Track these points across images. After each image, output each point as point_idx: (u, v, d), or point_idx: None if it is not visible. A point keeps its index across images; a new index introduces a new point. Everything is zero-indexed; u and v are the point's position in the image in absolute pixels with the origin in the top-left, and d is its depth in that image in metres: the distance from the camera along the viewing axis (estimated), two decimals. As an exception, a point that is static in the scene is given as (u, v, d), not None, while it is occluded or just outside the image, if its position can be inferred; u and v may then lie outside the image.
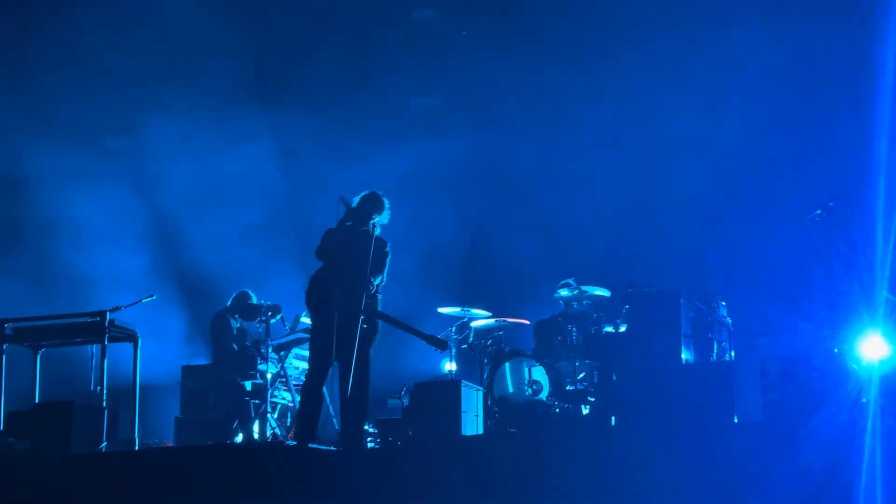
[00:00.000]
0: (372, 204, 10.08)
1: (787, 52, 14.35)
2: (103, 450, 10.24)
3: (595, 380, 12.12)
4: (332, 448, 10.46)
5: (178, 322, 15.75)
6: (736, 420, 10.01)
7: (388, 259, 10.19)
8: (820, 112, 14.10)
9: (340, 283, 9.80)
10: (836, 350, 10.40)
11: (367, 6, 16.06)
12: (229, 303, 12.86)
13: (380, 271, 10.04)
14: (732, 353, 11.70)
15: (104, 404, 10.60)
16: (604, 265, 14.29)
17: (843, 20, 13.96)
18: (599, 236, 14.83)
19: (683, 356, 10.60)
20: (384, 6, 16.15)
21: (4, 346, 10.75)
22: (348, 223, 10.00)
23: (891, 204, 11.35)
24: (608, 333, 12.18)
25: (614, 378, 11.10)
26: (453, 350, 13.05)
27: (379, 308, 10.11)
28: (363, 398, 9.89)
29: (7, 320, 10.84)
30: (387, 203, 10.17)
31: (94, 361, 11.30)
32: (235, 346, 12.67)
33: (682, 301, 10.74)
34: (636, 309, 10.89)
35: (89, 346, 11.25)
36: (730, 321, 11.80)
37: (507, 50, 15.44)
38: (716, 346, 11.28)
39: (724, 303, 11.79)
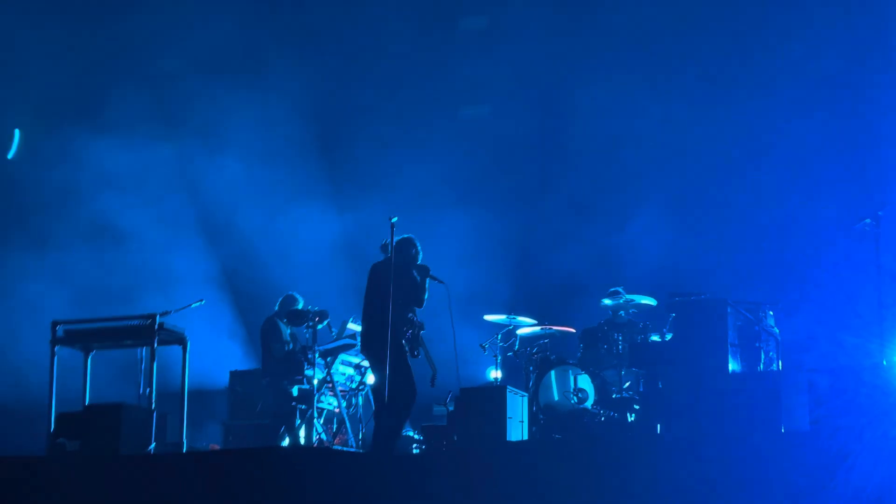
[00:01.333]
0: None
1: (835, 63, 14.28)
2: (152, 451, 10.33)
3: (641, 388, 12.08)
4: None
5: (227, 326, 15.90)
6: (783, 431, 9.93)
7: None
8: (869, 122, 14.00)
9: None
10: (884, 363, 10.27)
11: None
12: (277, 307, 12.94)
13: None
14: (780, 363, 11.59)
15: (153, 407, 10.67)
16: (651, 274, 14.26)
17: (885, 25, 13.88)
18: (647, 245, 14.79)
19: (730, 365, 10.52)
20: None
21: (56, 349, 10.86)
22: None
23: (940, 214, 11.22)
24: (654, 342, 12.13)
25: (660, 386, 11.04)
26: (499, 357, 13.05)
27: None
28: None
29: (58, 322, 10.95)
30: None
31: (143, 364, 11.38)
32: (284, 350, 12.72)
33: (729, 310, 10.67)
34: (683, 317, 10.81)
35: (139, 349, 11.33)
36: (777, 331, 11.69)
37: (558, 58, 15.47)
38: (763, 356, 11.18)
39: (771, 312, 11.68)
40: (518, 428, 10.73)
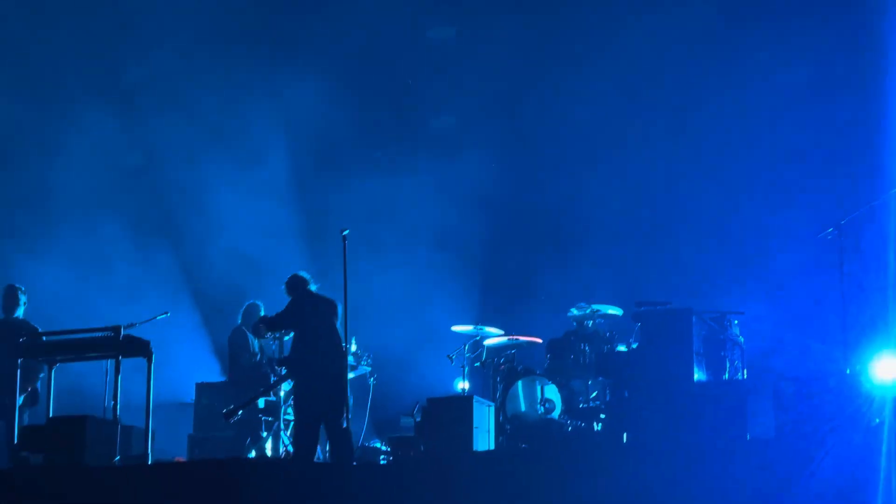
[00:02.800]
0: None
1: (799, 73, 14.40)
2: (117, 463, 10.25)
3: (607, 398, 12.11)
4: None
5: (193, 338, 15.82)
6: (748, 438, 9.99)
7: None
8: (835, 131, 14.13)
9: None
10: (848, 371, 10.36)
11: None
12: (240, 317, 12.90)
13: None
14: (745, 372, 11.66)
15: (118, 419, 10.60)
16: (615, 284, 14.32)
17: (853, 39, 14.03)
18: (611, 255, 14.84)
19: (696, 375, 10.58)
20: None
21: (20, 361, 10.77)
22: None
23: (904, 224, 11.35)
24: (621, 352, 12.17)
25: (627, 396, 11.08)
26: (466, 368, 13.05)
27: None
28: None
29: (23, 334, 10.88)
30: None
31: (108, 377, 11.30)
32: (252, 361, 12.66)
33: (694, 319, 10.73)
34: (648, 327, 10.87)
35: (104, 361, 11.25)
36: (742, 340, 11.76)
37: (523, 66, 15.52)
38: (728, 365, 11.24)
39: (736, 321, 11.75)
40: (485, 438, 10.73)
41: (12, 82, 15.77)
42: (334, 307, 10.86)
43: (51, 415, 10.80)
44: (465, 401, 10.64)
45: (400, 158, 15.95)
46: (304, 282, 10.96)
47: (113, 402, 10.68)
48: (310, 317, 10.69)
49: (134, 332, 11.00)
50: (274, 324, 11.07)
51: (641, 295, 12.07)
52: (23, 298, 11.74)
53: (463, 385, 13.18)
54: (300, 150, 16.34)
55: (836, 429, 9.07)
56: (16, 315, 11.67)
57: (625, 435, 10.94)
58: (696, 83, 14.95)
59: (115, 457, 10.27)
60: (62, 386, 11.22)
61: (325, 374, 10.53)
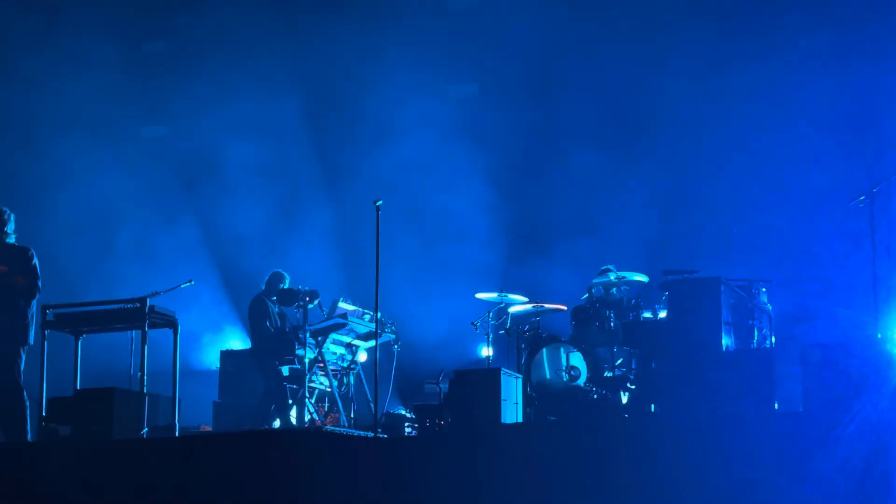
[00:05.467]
0: None
1: (826, 37, 14.23)
2: (144, 435, 10.28)
3: (633, 366, 12.08)
4: (370, 434, 10.50)
5: (217, 306, 15.87)
6: (777, 407, 9.95)
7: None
8: (866, 96, 13.97)
9: None
10: (878, 336, 10.31)
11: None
12: (264, 285, 12.89)
13: None
14: (773, 340, 11.61)
15: (144, 390, 10.62)
16: (642, 251, 14.25)
17: (882, 1, 13.85)
18: (638, 222, 14.75)
19: (724, 343, 10.52)
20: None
21: (46, 332, 10.78)
22: None
23: (935, 190, 11.24)
24: (647, 320, 12.13)
25: (654, 365, 11.04)
26: (490, 335, 13.04)
27: None
28: None
29: (49, 306, 10.86)
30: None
31: (133, 347, 11.32)
32: (273, 329, 12.67)
33: (722, 287, 10.65)
34: (676, 296, 10.77)
35: (130, 332, 11.26)
36: (770, 308, 11.70)
37: (548, 33, 15.35)
38: (756, 333, 11.19)
39: (764, 289, 11.68)
40: (512, 410, 10.70)
41: (39, 44, 15.74)
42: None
43: (78, 386, 10.85)
44: (492, 373, 10.59)
45: (428, 127, 15.84)
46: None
47: (140, 374, 10.71)
48: None
49: (158, 300, 11.01)
50: None
51: (666, 262, 12.01)
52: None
53: (487, 352, 13.17)
54: (325, 115, 16.29)
55: (862, 394, 9.00)
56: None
57: (652, 405, 10.92)
58: (722, 50, 14.76)
59: (143, 429, 10.29)
60: (88, 356, 11.26)
61: None
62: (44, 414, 10.53)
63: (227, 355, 14.09)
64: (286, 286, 12.69)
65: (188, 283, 12.09)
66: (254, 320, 12.84)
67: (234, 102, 16.19)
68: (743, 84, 14.60)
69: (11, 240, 10.73)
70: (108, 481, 9.39)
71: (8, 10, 15.73)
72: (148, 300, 10.72)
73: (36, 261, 10.62)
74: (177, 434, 10.69)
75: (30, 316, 10.55)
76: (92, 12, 15.75)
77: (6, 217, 10.72)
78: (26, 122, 16.07)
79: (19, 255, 10.60)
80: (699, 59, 14.82)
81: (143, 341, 10.67)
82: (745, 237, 14.21)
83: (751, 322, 11.14)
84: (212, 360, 14.70)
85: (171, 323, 10.95)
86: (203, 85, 16.18)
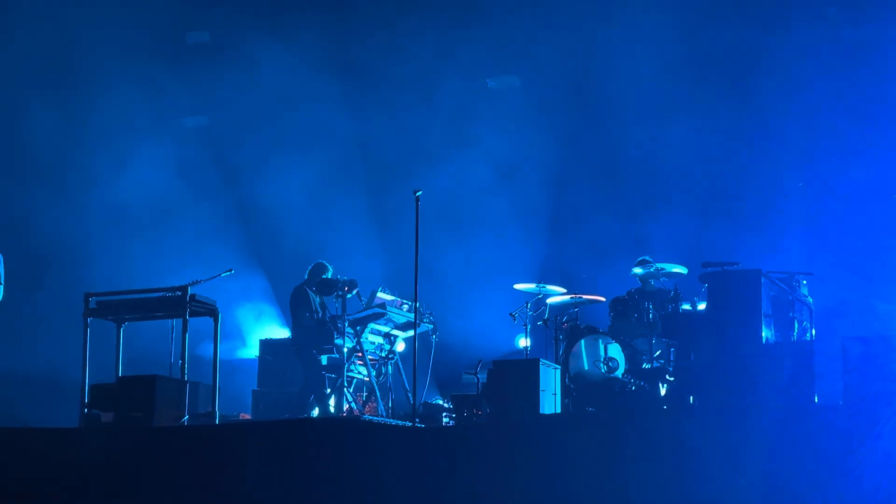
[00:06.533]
0: None
1: (867, 28, 14.11)
2: (185, 423, 10.38)
3: (672, 358, 12.04)
4: (408, 423, 10.54)
5: (257, 295, 15.96)
6: (817, 400, 9.90)
7: None
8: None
9: None
10: (919, 329, 10.25)
11: None
12: (307, 275, 12.94)
13: None
14: (813, 333, 11.53)
15: (185, 378, 10.71)
16: (681, 242, 14.20)
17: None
18: (677, 213, 14.69)
19: (764, 335, 10.47)
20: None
21: (89, 320, 10.90)
22: None
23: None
24: (686, 312, 12.08)
25: (693, 357, 11.00)
26: (528, 326, 13.04)
27: None
28: None
29: (91, 294, 10.99)
30: None
31: (174, 334, 11.42)
32: (314, 319, 12.72)
33: (762, 280, 10.59)
34: (716, 288, 10.74)
35: (171, 320, 11.36)
36: (811, 300, 11.63)
37: (589, 24, 15.30)
38: (797, 326, 11.12)
39: (805, 282, 11.61)
40: (551, 401, 10.71)
41: (80, 37, 15.87)
42: None
43: (120, 374, 10.96)
44: (531, 363, 10.59)
45: (465, 119, 15.86)
46: None
47: (181, 362, 10.81)
48: None
49: (198, 289, 11.10)
50: None
51: (705, 254, 11.96)
52: None
53: (525, 342, 13.17)
54: (366, 105, 16.34)
55: (903, 389, 8.95)
56: None
57: (691, 397, 10.89)
58: (759, 42, 14.66)
59: (184, 416, 10.39)
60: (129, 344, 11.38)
61: None
62: (86, 400, 10.66)
63: (266, 344, 14.18)
64: (329, 276, 12.72)
65: (228, 273, 12.19)
66: (295, 310, 12.87)
67: (274, 94, 16.25)
68: (782, 77, 14.49)
69: None
70: (148, 467, 9.50)
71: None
72: (189, 289, 10.81)
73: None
74: (217, 422, 10.78)
75: None
76: (135, 2, 15.86)
77: None
78: (71, 114, 16.20)
79: None
80: (736, 49, 14.73)
81: (185, 329, 10.77)
82: (785, 229, 14.11)
83: (791, 315, 11.07)
84: (251, 349, 14.81)
85: (211, 311, 11.04)
86: (244, 75, 16.24)
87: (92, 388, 10.66)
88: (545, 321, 13.00)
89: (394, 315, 12.63)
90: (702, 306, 12.02)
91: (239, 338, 15.59)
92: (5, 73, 15.91)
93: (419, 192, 10.89)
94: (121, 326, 11.15)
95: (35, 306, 15.34)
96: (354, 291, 12.51)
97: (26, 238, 15.34)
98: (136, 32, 16.00)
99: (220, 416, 11.08)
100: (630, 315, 12.62)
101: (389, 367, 12.95)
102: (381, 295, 12.67)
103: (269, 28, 15.92)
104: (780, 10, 14.64)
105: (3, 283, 11.06)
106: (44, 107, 15.99)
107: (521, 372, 10.52)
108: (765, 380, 9.99)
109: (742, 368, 10.11)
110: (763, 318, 10.44)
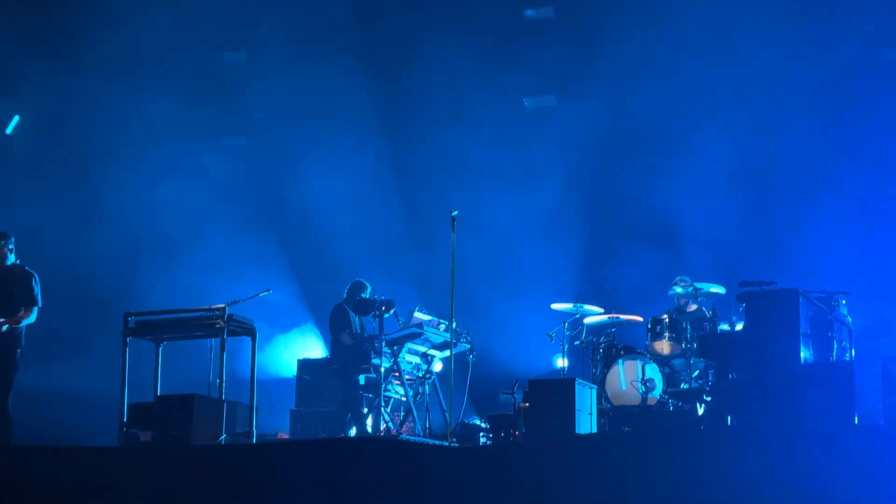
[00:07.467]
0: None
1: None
2: (223, 442, 10.42)
3: (710, 378, 11.97)
4: (445, 443, 10.53)
5: (295, 314, 16.03)
6: (856, 421, 9.80)
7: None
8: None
9: None
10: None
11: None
12: (345, 294, 12.97)
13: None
14: (853, 353, 11.43)
15: (223, 397, 10.77)
16: (719, 262, 14.14)
17: None
18: (715, 233, 14.63)
19: (802, 355, 10.39)
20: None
21: (128, 340, 10.98)
22: None
23: None
24: (724, 332, 12.02)
25: (731, 377, 10.93)
26: (566, 346, 13.02)
27: None
28: None
29: (130, 314, 11.07)
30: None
31: (212, 354, 11.49)
32: (352, 338, 12.74)
33: (801, 299, 10.52)
34: (754, 308, 10.66)
35: (209, 340, 11.43)
36: (850, 320, 11.53)
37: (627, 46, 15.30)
38: (836, 346, 11.03)
39: (844, 301, 11.52)
40: (587, 420, 10.67)
41: (121, 63, 16.06)
42: None
43: (158, 392, 11.03)
44: (567, 383, 10.57)
45: (500, 136, 15.88)
46: None
47: (218, 381, 10.86)
48: None
49: (236, 308, 11.17)
50: None
51: (743, 274, 11.88)
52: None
53: (562, 362, 13.15)
54: (401, 123, 16.40)
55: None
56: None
57: (729, 417, 10.81)
58: (793, 62, 14.60)
59: (222, 435, 10.43)
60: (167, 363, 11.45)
61: None
62: (125, 419, 10.73)
63: (304, 364, 14.25)
64: (367, 295, 12.75)
65: (266, 292, 12.26)
66: (334, 329, 12.91)
67: (310, 113, 16.34)
68: (820, 97, 14.41)
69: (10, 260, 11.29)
70: (186, 486, 9.53)
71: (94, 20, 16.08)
72: (227, 308, 10.87)
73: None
74: (254, 441, 10.82)
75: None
76: (171, 21, 16.02)
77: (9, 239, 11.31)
78: (110, 132, 16.37)
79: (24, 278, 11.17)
80: (770, 66, 14.68)
81: (222, 349, 10.83)
82: (824, 248, 14.02)
83: (830, 334, 10.97)
84: (289, 369, 14.87)
85: (249, 331, 11.10)
86: (280, 95, 16.36)
87: (131, 406, 10.73)
88: (582, 341, 12.98)
89: (431, 335, 12.64)
90: (740, 326, 11.96)
91: (276, 357, 15.65)
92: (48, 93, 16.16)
93: (455, 212, 10.93)
94: (159, 346, 11.23)
95: (75, 326, 15.48)
96: (392, 311, 12.53)
97: (67, 258, 15.48)
98: (176, 53, 16.15)
99: (258, 435, 11.12)
100: (668, 335, 12.57)
101: (426, 387, 12.95)
102: (418, 315, 12.69)
103: (304, 46, 16.01)
104: (813, 30, 14.57)
105: (39, 304, 11.16)
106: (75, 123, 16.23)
107: (557, 391, 10.49)
108: (804, 400, 9.90)
109: (780, 388, 10.03)
110: (801, 338, 10.35)
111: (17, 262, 11.26)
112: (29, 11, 16.13)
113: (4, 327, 10.84)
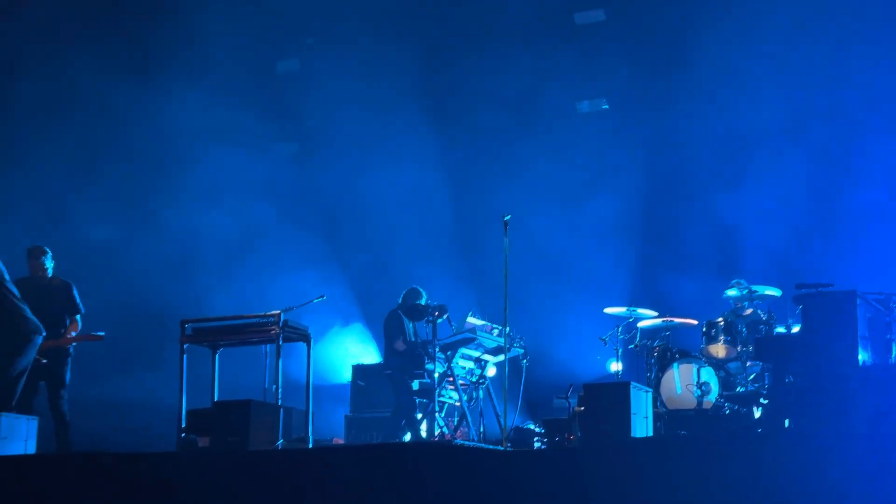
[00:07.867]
0: None
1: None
2: (279, 447, 10.50)
3: (766, 381, 11.88)
4: (500, 448, 10.53)
5: (350, 320, 16.12)
6: (916, 424, 9.68)
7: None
8: None
9: None
10: None
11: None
12: (400, 300, 13.02)
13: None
14: (913, 355, 11.29)
15: (279, 403, 10.84)
16: (774, 264, 14.03)
17: None
18: (770, 234, 14.52)
19: (860, 358, 10.27)
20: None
21: (185, 346, 11.10)
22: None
23: None
24: (781, 335, 11.93)
25: (788, 380, 10.84)
26: (620, 350, 12.97)
27: None
28: None
29: (187, 321, 11.19)
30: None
31: (268, 360, 11.58)
32: (407, 344, 12.79)
33: (858, 301, 10.40)
34: (811, 310, 10.55)
35: (264, 345, 11.52)
36: (910, 322, 11.39)
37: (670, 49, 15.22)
38: (895, 348, 10.91)
39: (902, 303, 11.38)
40: (643, 424, 10.63)
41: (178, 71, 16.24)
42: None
43: (216, 398, 11.13)
44: (622, 387, 10.53)
45: (556, 143, 15.87)
46: None
47: (274, 387, 10.94)
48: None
49: (291, 315, 11.24)
50: None
51: (800, 276, 11.79)
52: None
53: (616, 366, 13.11)
54: (454, 128, 16.44)
55: None
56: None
57: (786, 420, 10.72)
58: (845, 62, 14.44)
59: (278, 440, 10.50)
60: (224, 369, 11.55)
61: None
62: (183, 425, 10.84)
63: (358, 370, 14.31)
64: (422, 302, 12.79)
65: (321, 298, 12.33)
66: (388, 335, 12.96)
67: (363, 119, 16.43)
68: (871, 92, 14.25)
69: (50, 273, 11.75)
70: (244, 492, 9.60)
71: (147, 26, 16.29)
72: (282, 314, 10.95)
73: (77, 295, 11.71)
74: (310, 446, 10.88)
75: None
76: (227, 30, 16.18)
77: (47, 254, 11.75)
78: (166, 138, 16.56)
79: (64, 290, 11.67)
80: (824, 71, 14.54)
81: (278, 355, 10.91)
82: (881, 249, 13.86)
83: (889, 336, 10.85)
84: (344, 375, 14.95)
85: (304, 337, 11.17)
86: (333, 101, 16.46)
87: (189, 412, 10.84)
88: (636, 345, 12.94)
89: (484, 340, 12.65)
90: (796, 329, 11.86)
91: (331, 363, 15.75)
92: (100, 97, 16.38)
93: (507, 217, 10.94)
94: (216, 352, 11.33)
95: (133, 333, 15.66)
96: (445, 316, 12.55)
97: (124, 267, 15.68)
98: (229, 63, 16.30)
99: (314, 441, 11.19)
100: (723, 338, 12.49)
101: (480, 392, 12.96)
102: (471, 320, 12.71)
103: (357, 50, 16.10)
104: (865, 30, 14.43)
105: (83, 311, 11.63)
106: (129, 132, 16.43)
107: (612, 396, 10.45)
108: (862, 403, 9.79)
109: (838, 391, 9.92)
110: (859, 340, 10.24)
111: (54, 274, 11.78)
112: (96, 23, 16.35)
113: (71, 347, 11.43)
